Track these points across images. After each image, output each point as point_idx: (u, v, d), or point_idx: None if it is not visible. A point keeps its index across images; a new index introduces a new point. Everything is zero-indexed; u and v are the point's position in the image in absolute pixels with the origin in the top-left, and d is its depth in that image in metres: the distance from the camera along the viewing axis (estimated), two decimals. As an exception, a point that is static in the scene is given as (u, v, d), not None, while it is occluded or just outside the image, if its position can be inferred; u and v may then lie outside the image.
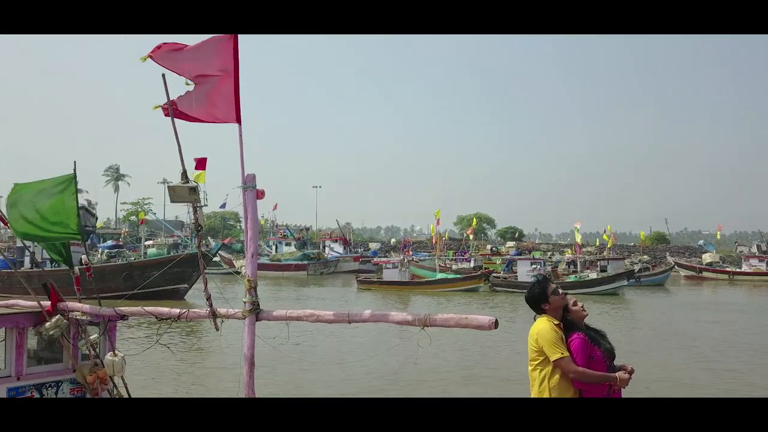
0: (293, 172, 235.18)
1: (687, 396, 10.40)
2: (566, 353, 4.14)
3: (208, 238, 66.12)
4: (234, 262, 52.30)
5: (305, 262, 56.01)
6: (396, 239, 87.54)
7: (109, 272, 28.98)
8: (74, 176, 5.92)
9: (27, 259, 30.87)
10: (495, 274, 41.64)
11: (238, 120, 4.70)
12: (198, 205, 4.70)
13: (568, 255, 54.98)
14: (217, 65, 4.66)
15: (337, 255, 62.04)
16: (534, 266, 38.05)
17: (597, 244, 63.59)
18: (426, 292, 36.94)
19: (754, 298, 38.64)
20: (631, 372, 4.22)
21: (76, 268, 6.28)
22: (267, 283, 41.07)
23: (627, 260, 53.12)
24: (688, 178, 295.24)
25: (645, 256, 63.66)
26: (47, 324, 5.72)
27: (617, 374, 4.17)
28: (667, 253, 69.03)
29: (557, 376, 4.14)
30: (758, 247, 63.09)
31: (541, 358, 4.21)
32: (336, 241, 66.18)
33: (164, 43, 4.68)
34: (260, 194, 4.69)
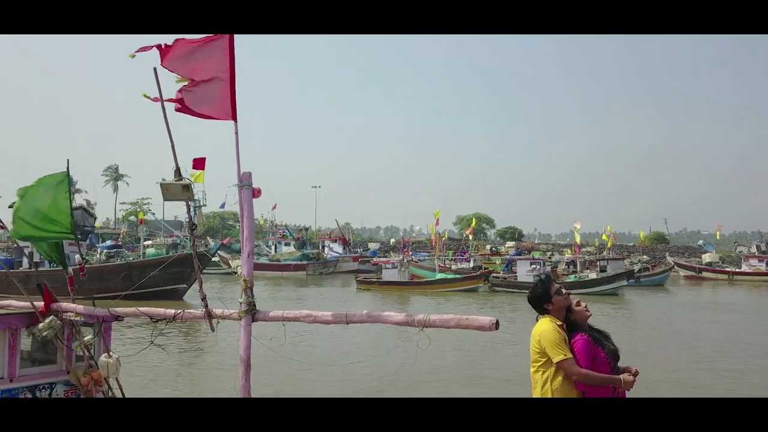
0: (293, 172, 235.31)
1: (687, 396, 10.33)
2: (569, 355, 4.06)
3: (207, 237, 66.23)
4: (230, 262, 52.13)
5: (304, 262, 55.95)
6: (395, 239, 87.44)
7: (107, 272, 28.91)
8: (68, 174, 5.87)
9: (25, 260, 30.90)
10: (494, 274, 41.50)
11: (234, 117, 4.64)
12: (193, 204, 4.64)
13: (568, 255, 54.95)
14: (214, 64, 4.64)
15: (337, 255, 61.99)
16: (533, 266, 37.94)
17: (596, 244, 63.61)
18: (425, 293, 36.86)
19: (753, 298, 38.63)
20: (635, 374, 4.14)
21: (70, 268, 6.21)
22: (266, 283, 41.03)
23: (626, 260, 53.01)
24: (688, 178, 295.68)
25: (644, 256, 63.64)
26: (40, 325, 5.65)
27: (621, 376, 4.09)
28: (667, 253, 69.10)
29: (560, 378, 4.06)
30: (758, 247, 63.08)
31: (544, 360, 4.13)
32: (335, 241, 66.16)
33: (158, 45, 4.67)
34: (256, 193, 4.61)
